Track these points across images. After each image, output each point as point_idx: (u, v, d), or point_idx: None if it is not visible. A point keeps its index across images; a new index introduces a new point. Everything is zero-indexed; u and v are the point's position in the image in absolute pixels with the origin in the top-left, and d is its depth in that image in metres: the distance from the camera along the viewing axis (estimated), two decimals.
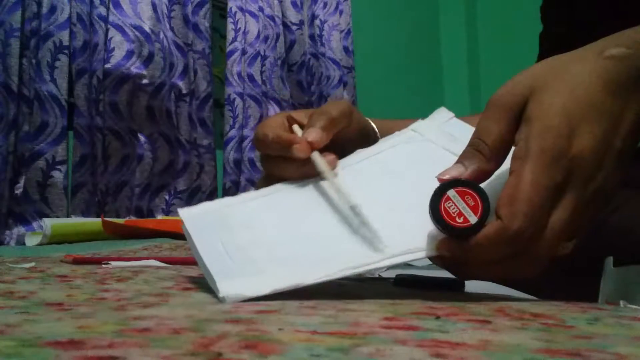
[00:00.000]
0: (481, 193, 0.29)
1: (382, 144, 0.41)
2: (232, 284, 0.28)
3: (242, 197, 0.37)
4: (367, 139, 0.47)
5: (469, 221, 0.28)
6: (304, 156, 0.38)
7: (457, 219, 0.29)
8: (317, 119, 0.40)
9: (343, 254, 0.31)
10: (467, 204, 0.29)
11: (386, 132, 0.48)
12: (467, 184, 0.29)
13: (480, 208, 0.29)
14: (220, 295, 0.27)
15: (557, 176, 0.28)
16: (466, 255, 0.29)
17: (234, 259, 0.31)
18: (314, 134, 0.39)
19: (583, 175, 0.29)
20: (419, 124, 0.42)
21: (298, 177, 0.39)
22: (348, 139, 0.43)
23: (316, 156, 0.38)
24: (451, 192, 0.29)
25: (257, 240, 0.33)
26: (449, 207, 0.29)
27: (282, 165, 0.40)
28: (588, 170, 0.29)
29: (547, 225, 0.28)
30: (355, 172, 0.39)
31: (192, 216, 0.36)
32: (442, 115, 0.43)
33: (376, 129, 0.49)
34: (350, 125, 0.43)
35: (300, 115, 0.43)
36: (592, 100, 0.30)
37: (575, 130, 0.29)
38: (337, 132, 0.41)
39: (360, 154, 0.40)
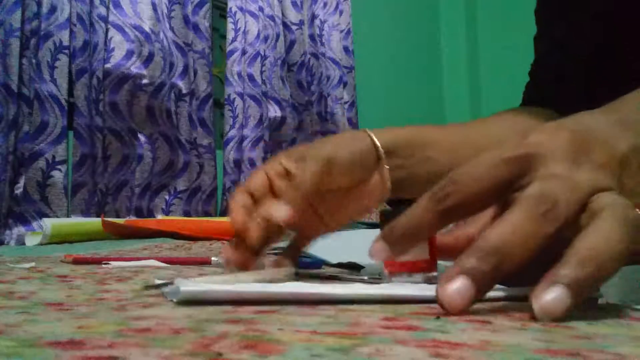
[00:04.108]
0: None
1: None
2: (192, 285, 0.27)
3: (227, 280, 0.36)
4: (362, 169, 0.43)
5: None
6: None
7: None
8: (286, 194, 0.39)
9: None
10: None
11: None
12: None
13: None
14: (181, 288, 0.26)
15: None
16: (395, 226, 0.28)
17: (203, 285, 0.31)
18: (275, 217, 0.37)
19: None
20: None
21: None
22: (333, 188, 0.42)
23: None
24: None
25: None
26: None
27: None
28: None
29: None
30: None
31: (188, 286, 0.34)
32: None
33: (380, 152, 0.43)
34: (332, 181, 0.41)
35: (280, 168, 0.42)
36: None
37: None
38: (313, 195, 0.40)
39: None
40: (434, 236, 0.29)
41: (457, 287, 0.23)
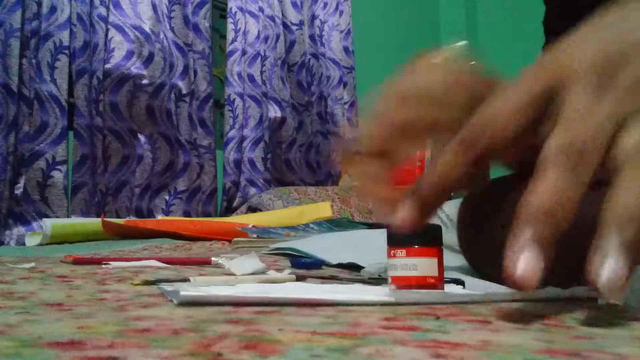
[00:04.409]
0: None
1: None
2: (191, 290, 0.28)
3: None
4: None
5: None
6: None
7: None
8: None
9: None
10: None
11: None
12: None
13: None
14: (181, 293, 0.26)
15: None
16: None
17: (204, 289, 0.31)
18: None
19: None
20: None
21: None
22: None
23: None
24: None
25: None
26: None
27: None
28: None
29: None
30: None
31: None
32: None
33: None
34: None
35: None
36: None
37: None
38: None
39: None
40: (441, 253, 0.29)
41: (526, 261, 0.22)
